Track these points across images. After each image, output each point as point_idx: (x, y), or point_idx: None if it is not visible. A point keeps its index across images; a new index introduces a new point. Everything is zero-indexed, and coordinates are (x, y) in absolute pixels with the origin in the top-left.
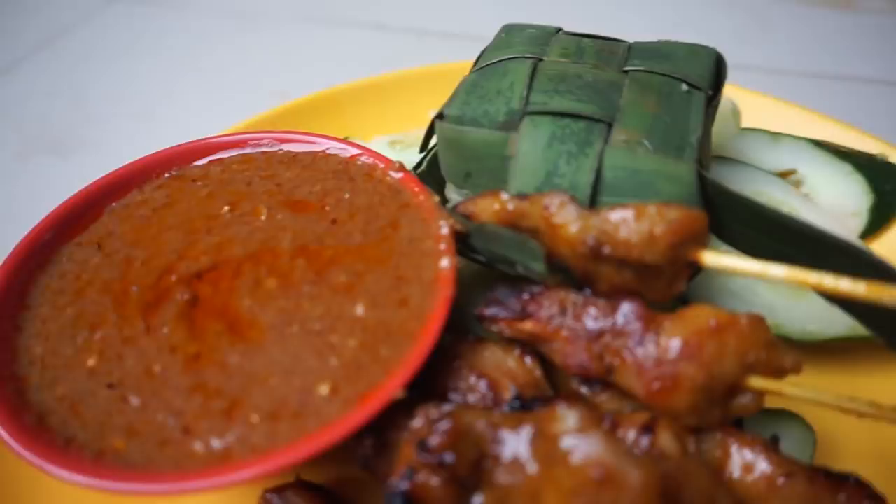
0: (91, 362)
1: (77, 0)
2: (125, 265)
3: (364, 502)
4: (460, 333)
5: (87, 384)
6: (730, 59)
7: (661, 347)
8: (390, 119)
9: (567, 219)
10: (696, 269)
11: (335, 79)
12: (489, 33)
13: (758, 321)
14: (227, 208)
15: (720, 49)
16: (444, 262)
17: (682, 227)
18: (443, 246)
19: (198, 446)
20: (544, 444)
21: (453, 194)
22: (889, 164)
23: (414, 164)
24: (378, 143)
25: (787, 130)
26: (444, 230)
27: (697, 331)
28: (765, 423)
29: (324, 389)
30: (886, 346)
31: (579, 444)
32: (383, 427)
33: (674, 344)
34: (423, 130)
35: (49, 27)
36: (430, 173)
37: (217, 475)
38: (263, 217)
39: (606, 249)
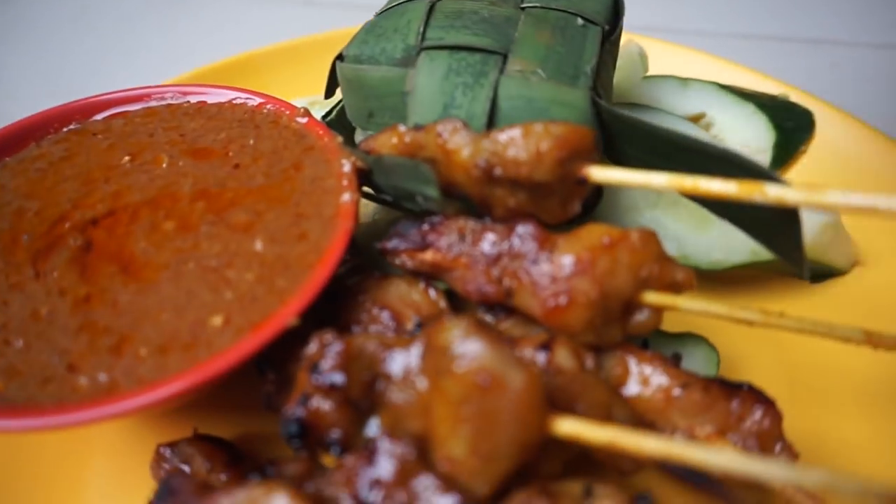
0: None
1: None
2: (16, 216)
3: (266, 455)
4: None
5: None
6: (642, 21)
7: (555, 265)
8: (308, 81)
9: (459, 143)
10: (594, 193)
11: None
12: None
13: (649, 236)
14: (127, 158)
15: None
16: (346, 197)
17: (567, 142)
18: (345, 182)
19: (82, 381)
20: (433, 357)
21: (361, 137)
22: (790, 103)
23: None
24: (298, 104)
25: (694, 76)
26: (347, 167)
27: (590, 247)
28: (671, 345)
29: (217, 321)
30: (772, 252)
31: (464, 351)
32: (285, 362)
33: (567, 261)
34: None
35: None
36: (340, 121)
37: (100, 406)
38: (165, 165)
39: (498, 171)
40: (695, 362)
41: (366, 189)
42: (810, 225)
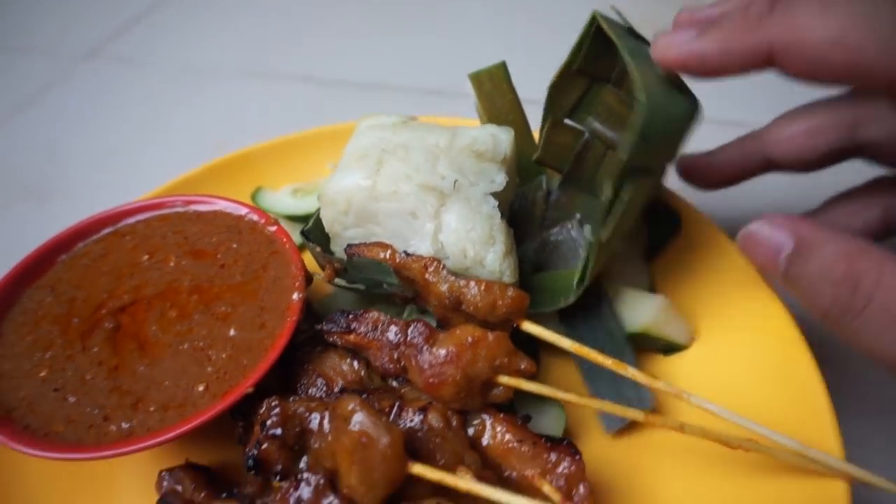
0: (43, 374)
1: (51, 65)
2: (70, 303)
3: (236, 479)
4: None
5: (40, 389)
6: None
7: (433, 355)
8: (296, 171)
9: (440, 280)
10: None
11: (268, 128)
12: (402, 83)
13: (502, 337)
14: (146, 257)
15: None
16: (295, 296)
17: (517, 302)
18: (297, 284)
19: (112, 428)
20: (337, 421)
21: (338, 244)
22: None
23: (311, 207)
24: (284, 191)
25: None
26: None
27: (458, 344)
28: (532, 405)
29: (201, 388)
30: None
31: (354, 419)
32: (250, 413)
33: (441, 353)
34: (322, 179)
35: (23, 89)
36: (316, 230)
37: (123, 447)
38: (172, 264)
39: (463, 307)
40: (548, 419)
41: (340, 282)
42: (648, 307)
